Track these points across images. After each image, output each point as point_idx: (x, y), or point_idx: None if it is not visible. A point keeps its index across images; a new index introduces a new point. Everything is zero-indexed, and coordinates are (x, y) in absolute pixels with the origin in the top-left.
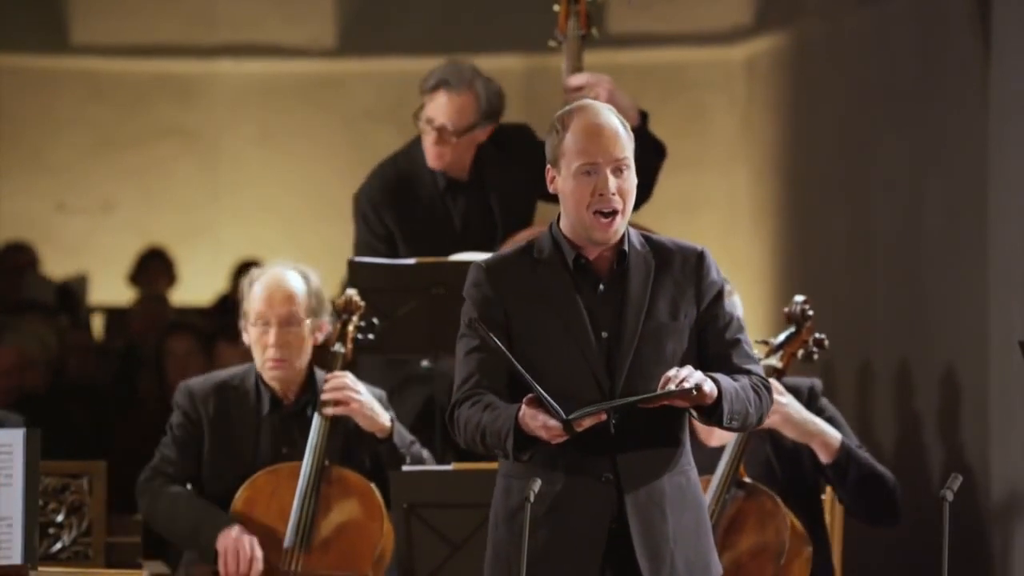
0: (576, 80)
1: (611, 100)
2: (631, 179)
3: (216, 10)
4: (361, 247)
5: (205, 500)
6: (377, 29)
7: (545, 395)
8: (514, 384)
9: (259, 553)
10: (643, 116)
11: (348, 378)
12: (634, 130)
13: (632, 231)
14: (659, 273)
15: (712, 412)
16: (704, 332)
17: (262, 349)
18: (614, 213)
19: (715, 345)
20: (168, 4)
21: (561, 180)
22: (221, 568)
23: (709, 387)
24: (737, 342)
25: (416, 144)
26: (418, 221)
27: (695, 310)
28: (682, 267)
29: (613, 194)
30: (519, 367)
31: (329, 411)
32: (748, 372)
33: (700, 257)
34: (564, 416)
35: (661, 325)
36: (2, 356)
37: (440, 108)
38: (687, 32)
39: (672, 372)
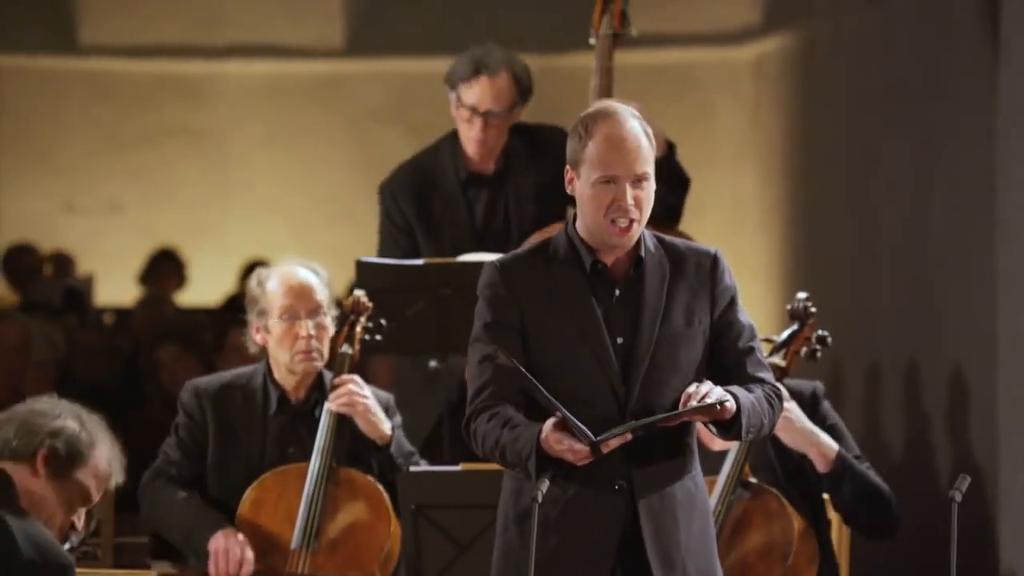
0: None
1: None
2: (649, 188)
3: (223, 11)
4: (384, 239)
5: (201, 502)
6: (384, 29)
7: (573, 419)
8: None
9: (249, 555)
10: (670, 147)
11: (356, 382)
12: (659, 161)
13: (646, 233)
14: (674, 278)
15: (730, 427)
16: (718, 339)
17: (291, 342)
18: (631, 222)
19: (729, 353)
20: (175, 5)
21: (580, 185)
22: (211, 569)
23: (730, 403)
24: (751, 350)
25: (443, 142)
26: (437, 213)
27: (709, 317)
28: (696, 272)
29: (631, 205)
30: (546, 393)
31: (334, 407)
32: (761, 381)
33: (714, 261)
34: (594, 439)
35: (676, 332)
36: (9, 332)
37: (483, 93)
38: (695, 32)
39: (692, 388)
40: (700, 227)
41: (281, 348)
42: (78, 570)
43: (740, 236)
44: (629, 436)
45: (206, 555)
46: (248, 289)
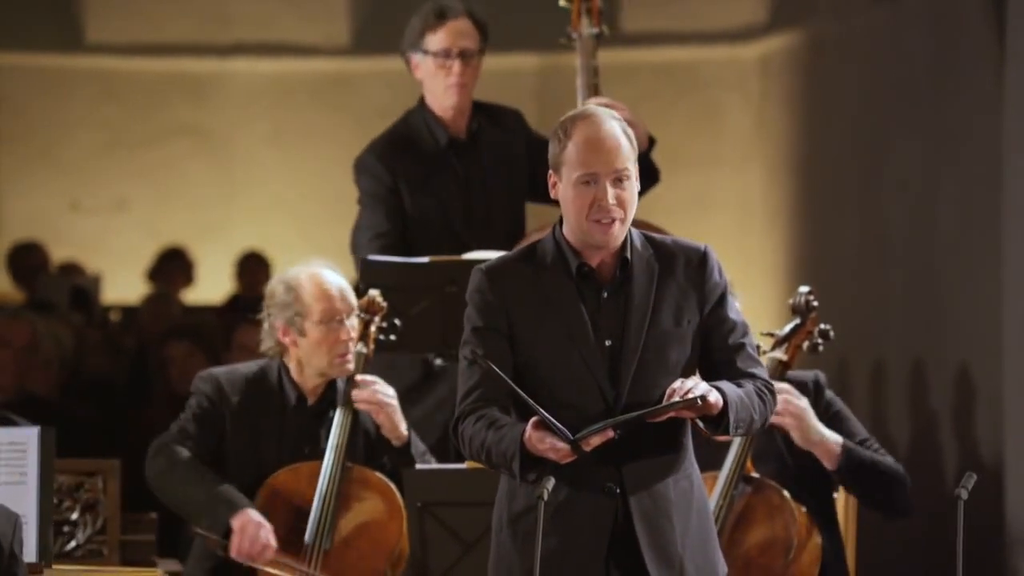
0: (594, 102)
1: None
2: (631, 188)
3: (229, 9)
4: (368, 204)
5: (222, 478)
6: (390, 28)
7: (550, 418)
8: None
9: (272, 541)
10: (651, 142)
11: (380, 383)
12: (640, 155)
13: (635, 232)
14: (662, 277)
15: (718, 422)
16: (708, 336)
17: (331, 346)
18: (613, 221)
19: (720, 350)
20: (182, 3)
21: (562, 188)
22: (233, 546)
23: (714, 397)
24: (742, 346)
25: (410, 113)
26: (423, 174)
27: (699, 315)
28: (685, 270)
29: (612, 204)
30: (522, 394)
31: (360, 405)
32: (753, 376)
33: (703, 258)
34: (571, 437)
35: (665, 332)
36: (18, 330)
37: (455, 34)
38: (701, 31)
39: (676, 384)
40: (707, 225)
41: (318, 352)
42: (84, 567)
43: (747, 235)
44: (611, 433)
45: (227, 531)
46: (273, 293)
